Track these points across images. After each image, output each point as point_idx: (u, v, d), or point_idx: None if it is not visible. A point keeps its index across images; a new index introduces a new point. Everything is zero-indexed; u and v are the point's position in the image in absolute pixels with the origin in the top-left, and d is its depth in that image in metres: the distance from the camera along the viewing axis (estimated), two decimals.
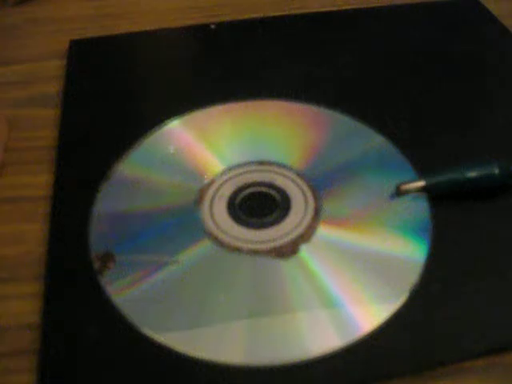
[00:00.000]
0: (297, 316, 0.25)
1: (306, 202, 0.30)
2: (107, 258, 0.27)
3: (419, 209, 0.29)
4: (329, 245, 0.28)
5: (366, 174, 0.31)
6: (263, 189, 0.30)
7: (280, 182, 0.31)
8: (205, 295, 0.26)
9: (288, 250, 0.27)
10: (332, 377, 0.23)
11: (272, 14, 0.44)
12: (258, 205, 0.30)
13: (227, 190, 0.30)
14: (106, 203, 0.30)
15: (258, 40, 0.41)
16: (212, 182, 0.31)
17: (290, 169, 0.31)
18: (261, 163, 0.32)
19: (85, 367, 0.23)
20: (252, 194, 0.30)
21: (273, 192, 0.30)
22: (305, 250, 0.27)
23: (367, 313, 0.25)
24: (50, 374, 0.23)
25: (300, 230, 0.28)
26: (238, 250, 0.28)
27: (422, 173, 0.30)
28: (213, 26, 0.42)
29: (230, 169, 0.31)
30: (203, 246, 0.28)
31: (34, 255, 0.28)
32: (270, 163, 0.32)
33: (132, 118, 0.35)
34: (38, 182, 0.31)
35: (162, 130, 0.34)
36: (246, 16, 0.43)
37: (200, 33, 0.42)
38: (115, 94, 0.36)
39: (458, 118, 0.35)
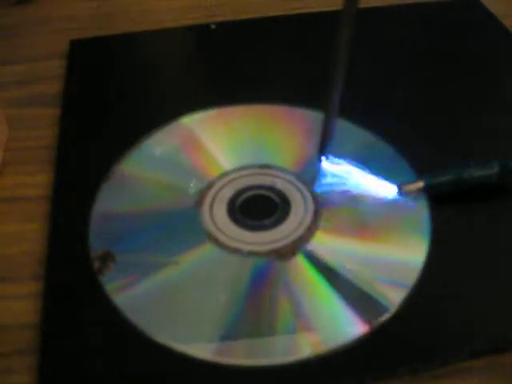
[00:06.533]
0: (296, 317, 0.25)
1: (306, 204, 0.30)
2: (107, 257, 0.27)
3: (419, 209, 0.29)
4: (328, 246, 0.28)
5: (366, 176, 0.31)
6: (263, 192, 0.30)
7: (280, 185, 0.31)
8: (204, 296, 0.26)
9: (288, 252, 0.27)
10: (332, 377, 0.23)
11: (272, 13, 0.44)
12: (257, 207, 0.30)
13: (227, 193, 0.30)
14: (106, 203, 0.30)
15: (259, 40, 0.41)
16: (212, 184, 0.31)
17: (289, 172, 0.31)
18: (261, 167, 0.32)
19: (84, 367, 0.23)
20: (252, 197, 0.30)
21: (273, 195, 0.30)
22: (304, 252, 0.27)
23: (367, 313, 0.25)
24: (50, 374, 0.23)
25: (300, 232, 0.28)
26: (237, 251, 0.28)
27: (421, 173, 0.30)
28: (213, 26, 0.42)
29: (230, 171, 0.31)
30: (203, 248, 0.28)
31: (34, 255, 0.28)
32: (270, 167, 0.32)
33: (132, 119, 0.35)
34: (38, 181, 0.31)
35: (162, 130, 0.34)
36: (246, 16, 0.43)
37: (200, 33, 0.42)
38: (115, 94, 0.36)
39: (458, 117, 0.35)
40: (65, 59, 0.40)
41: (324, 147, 0.29)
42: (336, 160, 0.30)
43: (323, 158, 0.30)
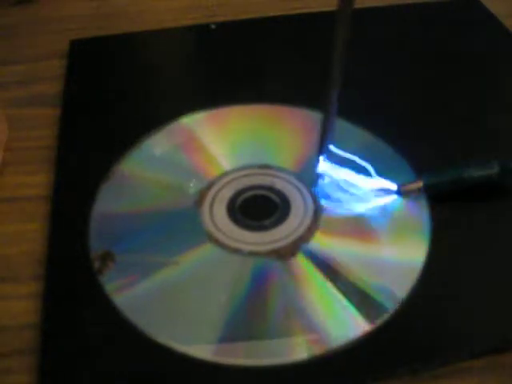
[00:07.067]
0: (296, 317, 0.25)
1: (306, 204, 0.30)
2: (107, 257, 0.27)
3: (419, 209, 0.29)
4: (328, 246, 0.28)
5: (366, 176, 0.31)
6: (263, 192, 0.30)
7: (279, 185, 0.31)
8: (205, 296, 0.26)
9: (288, 252, 0.27)
10: (332, 377, 0.23)
11: (272, 13, 0.44)
12: (257, 207, 0.30)
13: (227, 193, 0.30)
14: (106, 203, 0.30)
15: (259, 40, 0.41)
16: (212, 184, 0.31)
17: (289, 172, 0.31)
18: (261, 167, 0.32)
19: (84, 367, 0.24)
20: (252, 197, 0.30)
21: (272, 195, 0.30)
22: (304, 252, 0.27)
23: (366, 313, 0.25)
24: (50, 374, 0.23)
25: (300, 232, 0.28)
26: (237, 251, 0.28)
27: (421, 173, 0.30)
28: (213, 26, 0.42)
29: (230, 171, 0.31)
30: (203, 248, 0.28)
31: (34, 255, 0.28)
32: (269, 167, 0.32)
33: (132, 118, 0.35)
34: (38, 181, 0.31)
35: (162, 130, 0.34)
36: (246, 16, 0.43)
37: (200, 33, 0.42)
38: (115, 94, 0.36)
39: (458, 117, 0.35)
40: (65, 59, 0.40)
41: (323, 147, 0.29)
42: (336, 160, 0.30)
43: (323, 158, 0.30)
